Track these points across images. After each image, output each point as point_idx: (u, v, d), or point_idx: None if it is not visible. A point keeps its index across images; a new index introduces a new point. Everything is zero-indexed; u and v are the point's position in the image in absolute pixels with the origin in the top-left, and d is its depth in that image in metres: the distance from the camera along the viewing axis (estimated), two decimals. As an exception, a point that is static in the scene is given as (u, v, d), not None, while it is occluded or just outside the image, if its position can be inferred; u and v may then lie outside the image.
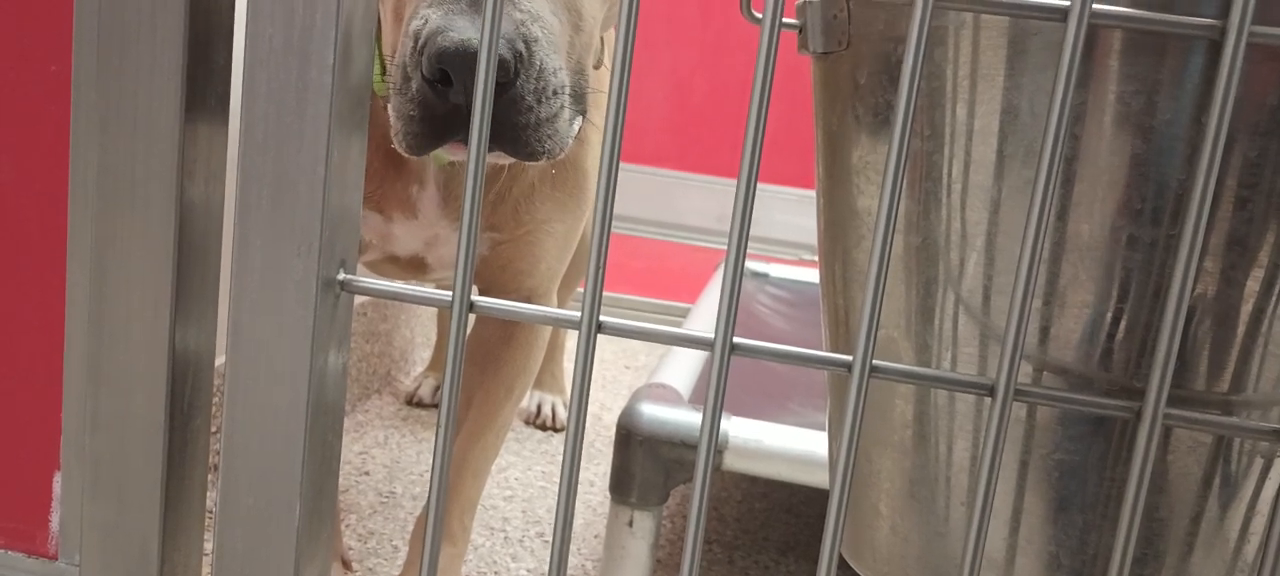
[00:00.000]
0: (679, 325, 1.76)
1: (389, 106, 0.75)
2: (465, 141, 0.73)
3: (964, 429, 0.50)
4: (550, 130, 0.74)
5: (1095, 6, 0.40)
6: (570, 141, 0.77)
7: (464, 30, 0.68)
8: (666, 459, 0.96)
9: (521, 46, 0.70)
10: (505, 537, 1.31)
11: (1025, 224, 0.40)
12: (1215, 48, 0.41)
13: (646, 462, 0.96)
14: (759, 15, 0.42)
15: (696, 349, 0.43)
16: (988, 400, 0.42)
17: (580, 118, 0.79)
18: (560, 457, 1.62)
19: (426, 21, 0.70)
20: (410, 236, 0.99)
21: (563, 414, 1.76)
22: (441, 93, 0.70)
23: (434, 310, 1.96)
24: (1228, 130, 0.39)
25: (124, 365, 0.52)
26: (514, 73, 0.70)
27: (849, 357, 0.43)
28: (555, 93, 0.73)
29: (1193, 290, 0.43)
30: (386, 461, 1.52)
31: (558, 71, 0.74)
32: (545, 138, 0.73)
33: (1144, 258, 0.44)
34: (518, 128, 0.72)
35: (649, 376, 1.12)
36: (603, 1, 0.83)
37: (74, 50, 0.51)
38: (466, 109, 0.70)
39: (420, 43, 0.70)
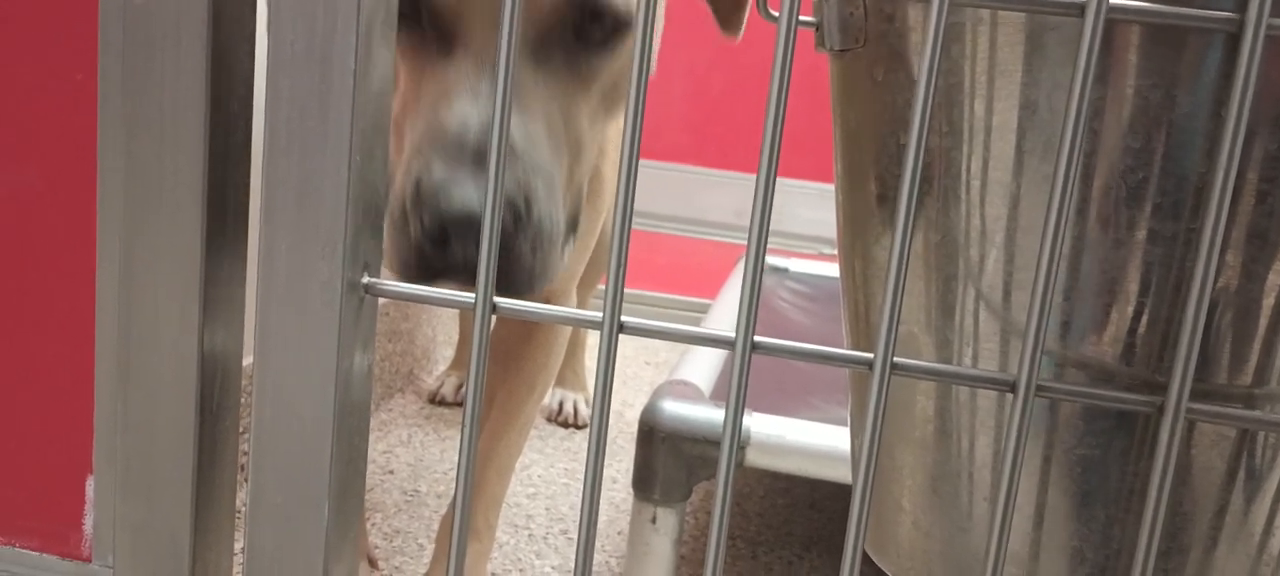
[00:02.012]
0: (700, 321, 1.76)
1: (385, 227, 0.74)
2: (460, 286, 0.71)
3: (986, 425, 0.50)
4: (542, 274, 0.73)
5: (1112, 1, 0.40)
6: (563, 269, 0.76)
7: (467, 194, 0.66)
8: (689, 455, 0.97)
9: (522, 206, 0.69)
10: (530, 535, 1.32)
11: (1045, 219, 0.40)
12: (1234, 41, 0.41)
13: (669, 459, 0.97)
14: (775, 13, 0.42)
15: (717, 348, 0.43)
16: (1010, 396, 0.42)
17: (573, 240, 0.78)
18: (583, 454, 1.63)
19: (429, 172, 0.68)
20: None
21: (585, 411, 1.76)
22: (439, 246, 0.68)
23: (455, 309, 1.97)
24: (1247, 123, 0.39)
25: (154, 367, 0.53)
26: (513, 230, 0.69)
27: (870, 355, 0.43)
28: (552, 240, 0.72)
29: (1214, 284, 0.43)
30: (410, 460, 1.53)
31: (555, 219, 0.72)
32: (537, 282, 0.72)
33: (1164, 252, 0.44)
34: (511, 276, 0.71)
35: (670, 373, 1.12)
36: (603, 121, 0.81)
37: (99, 58, 0.52)
38: (462, 263, 0.69)
39: (421, 194, 0.68)
